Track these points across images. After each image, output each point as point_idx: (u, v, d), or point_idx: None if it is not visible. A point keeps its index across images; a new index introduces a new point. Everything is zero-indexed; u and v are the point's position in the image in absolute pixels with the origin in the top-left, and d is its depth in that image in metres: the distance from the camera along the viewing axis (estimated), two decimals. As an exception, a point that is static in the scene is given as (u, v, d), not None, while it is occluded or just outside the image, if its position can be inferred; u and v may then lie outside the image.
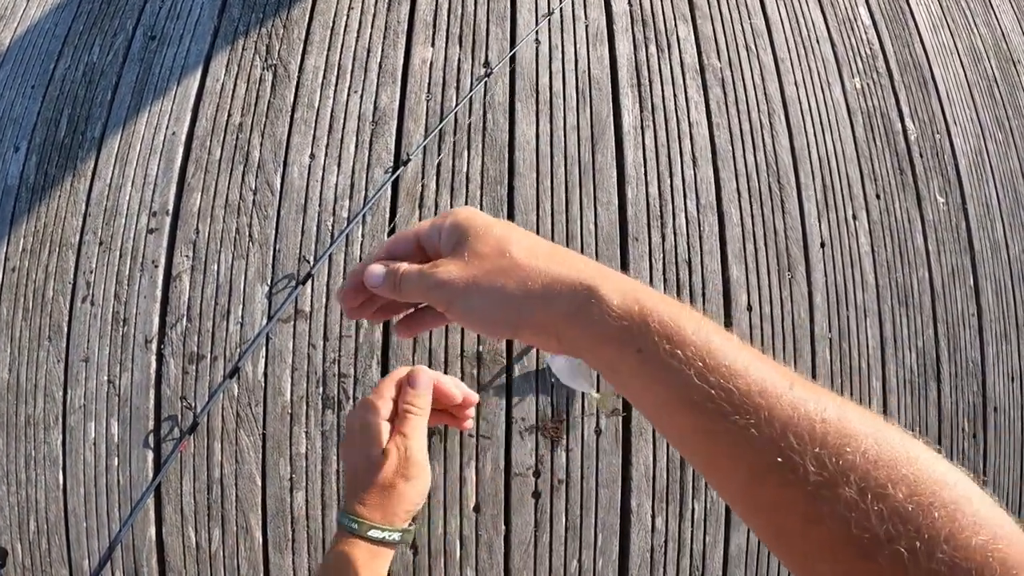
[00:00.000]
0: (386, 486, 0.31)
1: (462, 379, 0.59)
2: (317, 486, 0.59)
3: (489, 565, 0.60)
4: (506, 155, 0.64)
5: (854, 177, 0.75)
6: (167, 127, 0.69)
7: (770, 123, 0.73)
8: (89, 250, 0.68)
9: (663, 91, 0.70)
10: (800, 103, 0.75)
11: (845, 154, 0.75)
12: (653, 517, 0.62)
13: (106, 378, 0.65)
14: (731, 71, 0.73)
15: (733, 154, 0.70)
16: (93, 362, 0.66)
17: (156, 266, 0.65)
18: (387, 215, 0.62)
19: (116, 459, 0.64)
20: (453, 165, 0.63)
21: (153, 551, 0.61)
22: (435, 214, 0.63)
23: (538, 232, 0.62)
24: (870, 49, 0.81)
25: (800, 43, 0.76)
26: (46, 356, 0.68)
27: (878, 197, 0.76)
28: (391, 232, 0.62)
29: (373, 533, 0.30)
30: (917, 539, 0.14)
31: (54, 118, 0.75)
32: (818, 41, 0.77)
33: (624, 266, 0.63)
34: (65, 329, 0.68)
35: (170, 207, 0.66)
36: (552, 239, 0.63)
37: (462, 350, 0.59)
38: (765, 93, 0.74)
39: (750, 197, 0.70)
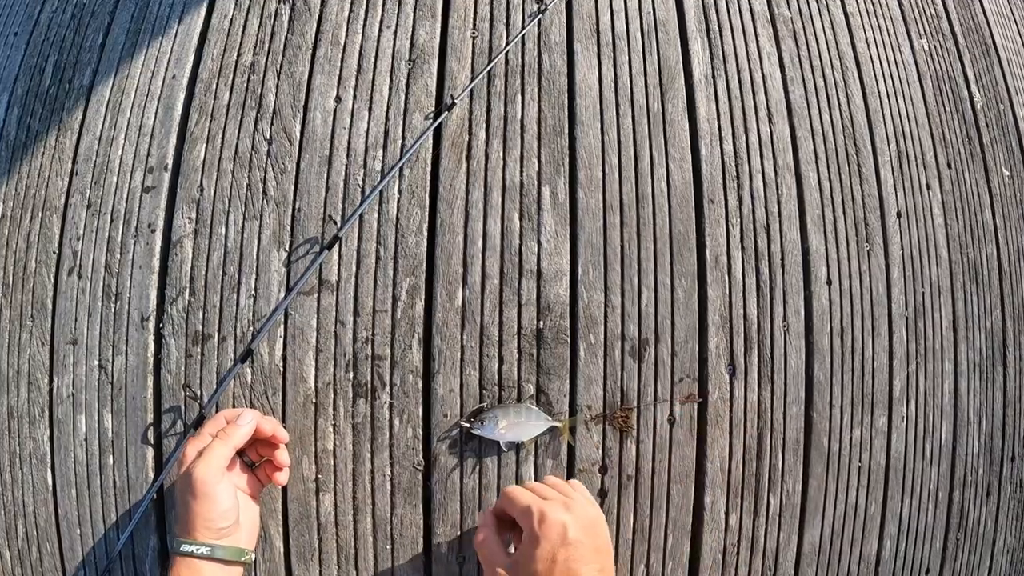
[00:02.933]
0: (180, 503, 0.35)
1: (519, 359, 0.43)
2: (348, 487, 0.43)
3: (547, 575, 0.45)
4: (565, 101, 0.47)
5: (927, 144, 0.61)
6: (166, 70, 0.51)
7: (844, 81, 0.58)
8: (76, 214, 0.51)
9: (733, 39, 0.54)
10: (872, 62, 0.60)
11: (917, 119, 0.61)
12: (727, 514, 0.48)
13: (97, 363, 0.48)
14: (802, 22, 0.58)
15: (808, 111, 0.55)
16: (82, 344, 0.49)
17: (153, 231, 0.48)
18: (428, 168, 0.45)
19: (111, 457, 0.47)
20: (505, 111, 0.46)
21: (156, 563, 0.45)
22: (485, 168, 0.46)
23: (604, 191, 0.47)
24: (934, 9, 0.66)
25: (868, -3, 0.61)
26: (28, 338, 0.51)
27: (949, 166, 0.62)
28: (433, 191, 0.45)
29: (183, 548, 0.33)
30: None
31: (38, 66, 0.57)
32: (886, -4, 0.62)
33: (700, 232, 0.48)
34: (50, 306, 0.50)
35: (169, 161, 0.48)
36: (621, 199, 0.47)
37: (520, 326, 0.44)
38: (838, 48, 0.58)
39: (827, 159, 0.55)
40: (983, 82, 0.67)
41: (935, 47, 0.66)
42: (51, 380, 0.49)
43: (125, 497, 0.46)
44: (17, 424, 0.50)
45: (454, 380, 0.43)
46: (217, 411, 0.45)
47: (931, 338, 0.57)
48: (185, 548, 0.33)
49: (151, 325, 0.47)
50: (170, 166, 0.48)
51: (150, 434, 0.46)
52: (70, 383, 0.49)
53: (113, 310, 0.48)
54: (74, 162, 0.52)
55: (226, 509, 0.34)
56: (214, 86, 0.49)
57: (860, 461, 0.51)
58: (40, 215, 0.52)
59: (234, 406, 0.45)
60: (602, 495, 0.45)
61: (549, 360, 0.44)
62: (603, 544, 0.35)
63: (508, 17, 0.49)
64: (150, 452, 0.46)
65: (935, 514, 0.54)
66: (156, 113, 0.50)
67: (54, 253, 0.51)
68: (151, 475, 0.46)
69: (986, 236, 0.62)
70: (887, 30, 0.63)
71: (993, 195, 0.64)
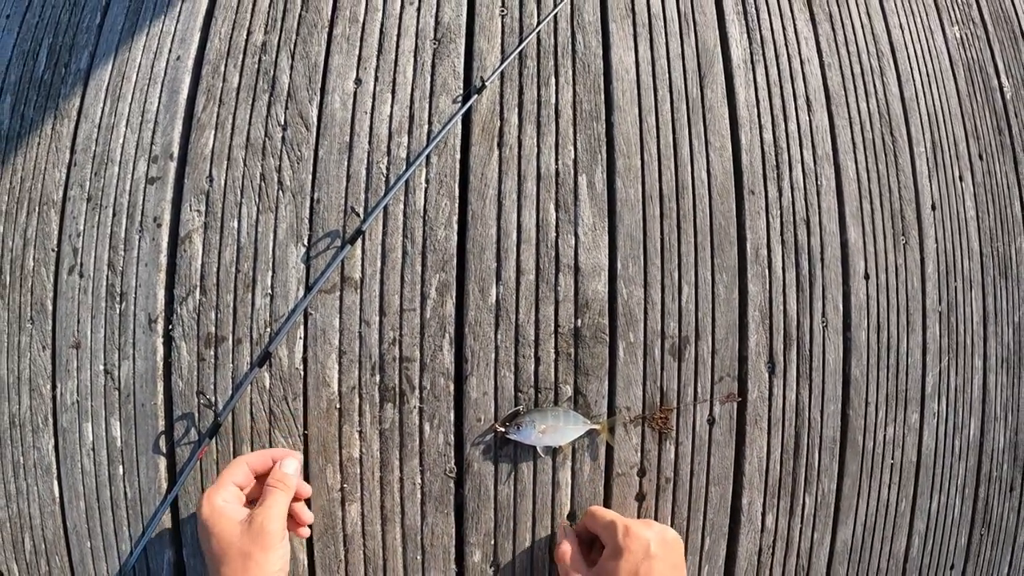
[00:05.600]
0: (245, 555, 0.30)
1: (556, 360, 0.39)
2: (375, 496, 0.39)
3: (584, 582, 0.41)
4: (601, 85, 0.43)
5: (959, 135, 0.57)
6: (169, 51, 0.45)
7: (880, 68, 0.53)
8: (75, 208, 0.46)
9: (771, 22, 0.49)
10: (906, 49, 0.56)
11: (951, 108, 0.57)
12: (764, 515, 0.44)
13: (102, 368, 0.43)
14: (837, 6, 0.53)
15: (846, 99, 0.51)
16: (85, 348, 0.44)
17: (159, 225, 0.43)
18: (457, 155, 0.41)
19: (120, 467, 0.42)
20: (539, 95, 0.42)
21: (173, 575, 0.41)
22: (518, 155, 0.41)
23: (643, 181, 0.42)
24: (965, -4, 0.62)
25: (902, -18, 0.57)
26: (29, 342, 0.46)
27: (980, 158, 0.58)
28: (463, 180, 0.40)
29: None
30: None
31: (32, 50, 0.51)
32: (919, -19, 0.58)
33: (740, 225, 0.44)
34: (50, 308, 0.45)
35: (175, 150, 0.43)
36: (660, 189, 0.43)
37: (556, 324, 0.39)
38: (873, 34, 0.54)
39: (864, 149, 0.51)
40: (1012, 71, 0.64)
41: (966, 35, 0.62)
42: (54, 386, 0.44)
43: (137, 509, 0.42)
44: (20, 433, 0.45)
45: (488, 382, 0.39)
46: (233, 419, 0.40)
47: (962, 333, 0.54)
48: None
49: (159, 327, 0.42)
50: (176, 155, 0.43)
51: (162, 443, 0.42)
52: (74, 389, 0.44)
53: (118, 311, 0.43)
54: (72, 152, 0.47)
55: (286, 560, 0.32)
56: (222, 68, 0.44)
57: (893, 458, 0.48)
58: (37, 210, 0.47)
59: (251, 413, 0.40)
60: (640, 499, 0.41)
61: (587, 360, 0.40)
62: (679, 562, 0.35)
63: (539, -6, 0.44)
64: (162, 462, 0.41)
65: (961, 510, 0.52)
66: (160, 98, 0.44)
67: (53, 251, 0.46)
68: (164, 486, 0.41)
69: (1015, 229, 0.59)
70: (920, 16, 0.58)
71: (1022, 187, 0.61)
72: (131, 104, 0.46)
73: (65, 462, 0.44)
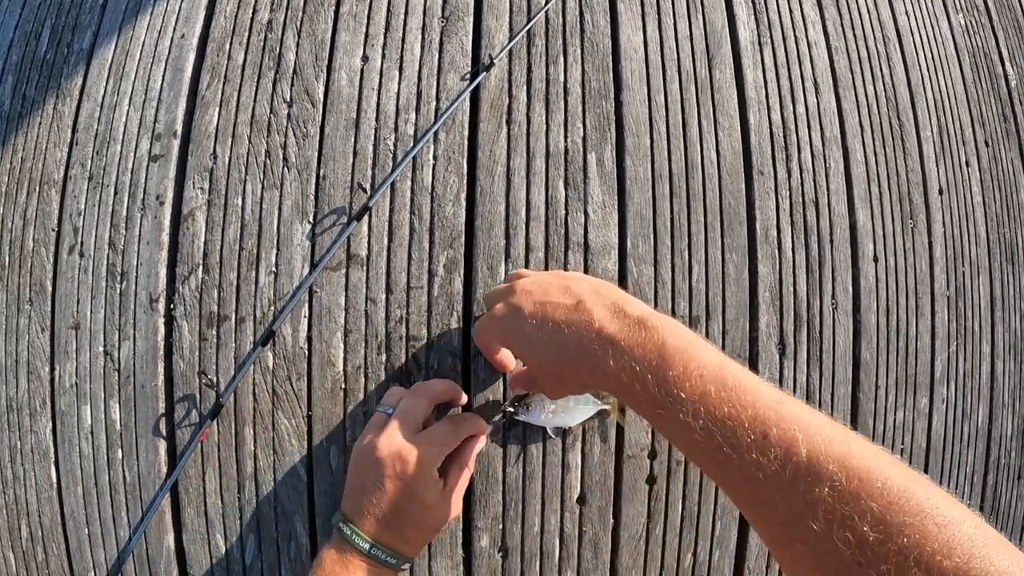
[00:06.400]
0: (438, 526, 0.29)
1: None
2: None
3: (593, 566, 0.40)
4: (610, 64, 0.42)
5: (965, 121, 0.57)
6: (174, 29, 0.45)
7: (886, 52, 0.53)
8: (76, 187, 0.45)
9: (778, 5, 0.49)
10: (913, 35, 0.56)
11: (956, 94, 0.57)
12: None
13: (102, 349, 0.42)
14: (844, -9, 0.53)
15: (853, 82, 0.50)
16: (85, 329, 0.43)
17: (161, 203, 0.42)
18: (466, 132, 0.40)
19: (119, 451, 0.41)
20: (547, 73, 0.41)
21: (173, 563, 0.40)
22: (527, 132, 0.41)
23: (653, 159, 0.41)
24: (969, -16, 0.62)
25: (907, -32, 0.57)
26: (27, 323, 0.45)
27: (986, 144, 0.58)
28: (471, 157, 0.39)
29: (382, 555, 0.27)
30: (884, 564, 0.14)
31: (34, 31, 0.50)
32: (923, -32, 0.58)
33: (750, 205, 0.43)
34: (49, 288, 0.44)
35: (178, 127, 0.42)
36: (669, 168, 0.42)
37: (566, 305, 0.38)
38: (879, 18, 0.54)
39: (872, 132, 0.50)
40: (1016, 60, 0.64)
41: (971, 23, 0.62)
42: (52, 369, 0.43)
43: (136, 494, 0.41)
44: (17, 417, 0.44)
45: (497, 362, 0.38)
46: (235, 400, 0.39)
47: (970, 319, 0.53)
48: (380, 555, 0.26)
49: (161, 306, 0.41)
50: (179, 132, 0.42)
51: (162, 425, 0.41)
52: (73, 371, 0.43)
53: (119, 291, 0.42)
54: (74, 131, 0.46)
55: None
56: (227, 46, 0.43)
57: (903, 443, 0.48)
58: (38, 190, 0.46)
59: (254, 394, 0.39)
60: (651, 481, 0.40)
61: (597, 340, 0.39)
62: (559, 282, 0.28)
63: (547, -27, 0.44)
64: (162, 445, 0.40)
65: (970, 497, 0.51)
66: (163, 76, 0.44)
67: (53, 230, 0.45)
68: (163, 470, 0.40)
69: (1022, 216, 0.59)
70: (925, 2, 0.58)
71: (1027, 174, 0.60)
72: (134, 82, 0.45)
73: (63, 446, 0.43)
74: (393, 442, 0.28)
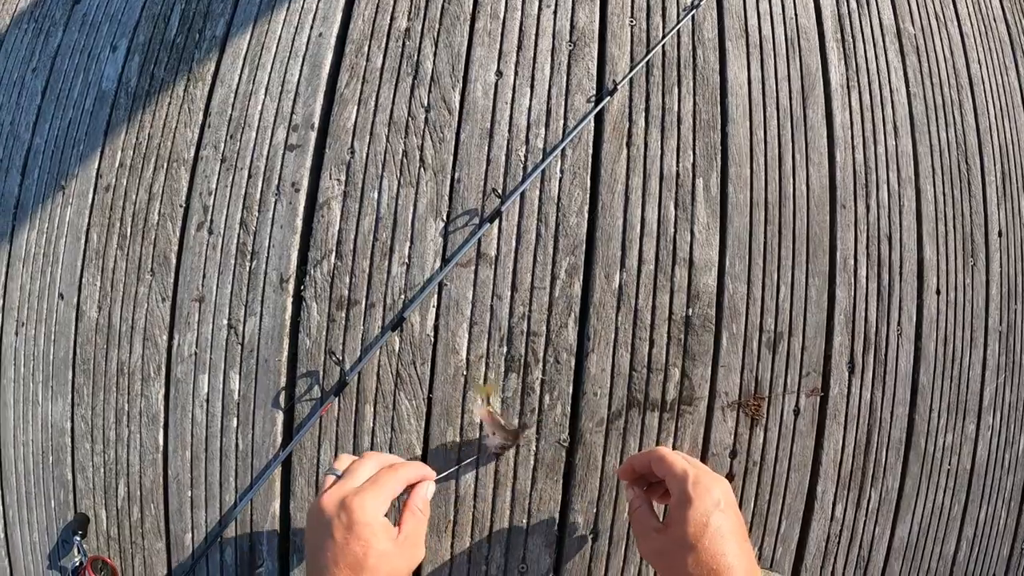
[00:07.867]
0: (399, 573, 0.31)
1: (668, 344, 0.44)
2: (490, 463, 0.43)
3: (669, 555, 0.46)
4: (718, 98, 0.48)
5: (1024, 168, 0.64)
6: (311, 27, 0.50)
7: (959, 99, 0.60)
8: (208, 167, 0.50)
9: (865, 51, 0.56)
10: (984, 84, 0.62)
11: (1020, 142, 0.63)
12: (834, 504, 0.50)
13: (226, 322, 0.48)
14: (923, 39, 0.60)
15: (928, 128, 0.57)
16: (210, 302, 0.48)
17: (297, 190, 0.47)
18: (590, 150, 0.46)
19: (235, 419, 0.47)
20: (663, 102, 0.47)
21: (277, 528, 0.45)
22: (644, 155, 0.47)
23: (752, 188, 0.48)
24: (1034, 39, 0.69)
25: (980, 19, 0.63)
26: (147, 292, 0.50)
27: (1042, 191, 0.65)
28: (595, 173, 0.45)
29: None
30: None
31: (163, 13, 0.56)
32: (995, 20, 0.65)
33: (832, 235, 0.50)
34: (174, 261, 0.50)
35: (316, 120, 0.48)
36: (765, 197, 0.48)
37: (670, 312, 0.44)
38: (954, 67, 0.60)
39: (942, 175, 0.57)
40: (1072, 114, 0.71)
41: (1034, 75, 0.69)
42: (171, 337, 0.48)
43: (248, 461, 0.46)
44: (128, 381, 0.49)
45: (606, 360, 0.44)
46: (359, 379, 0.45)
47: (1019, 353, 0.60)
48: None
49: (290, 287, 0.47)
50: (316, 125, 0.48)
51: (282, 398, 0.46)
52: (193, 341, 0.48)
53: (248, 269, 0.48)
54: (206, 114, 0.51)
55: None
56: (366, 48, 0.48)
57: (949, 464, 0.54)
58: (165, 167, 0.51)
59: (378, 375, 0.45)
60: (729, 478, 0.46)
61: (695, 346, 0.45)
62: (741, 520, 0.35)
63: (664, 9, 0.50)
64: (280, 416, 0.46)
65: (1006, 522, 0.57)
66: (301, 70, 0.49)
67: (181, 206, 0.50)
68: (279, 440, 0.46)
69: (1069, 262, 0.66)
70: (997, 52, 0.65)
71: (1077, 223, 0.67)
72: (271, 73, 0.51)
73: (175, 411, 0.48)
74: (337, 497, 0.30)
